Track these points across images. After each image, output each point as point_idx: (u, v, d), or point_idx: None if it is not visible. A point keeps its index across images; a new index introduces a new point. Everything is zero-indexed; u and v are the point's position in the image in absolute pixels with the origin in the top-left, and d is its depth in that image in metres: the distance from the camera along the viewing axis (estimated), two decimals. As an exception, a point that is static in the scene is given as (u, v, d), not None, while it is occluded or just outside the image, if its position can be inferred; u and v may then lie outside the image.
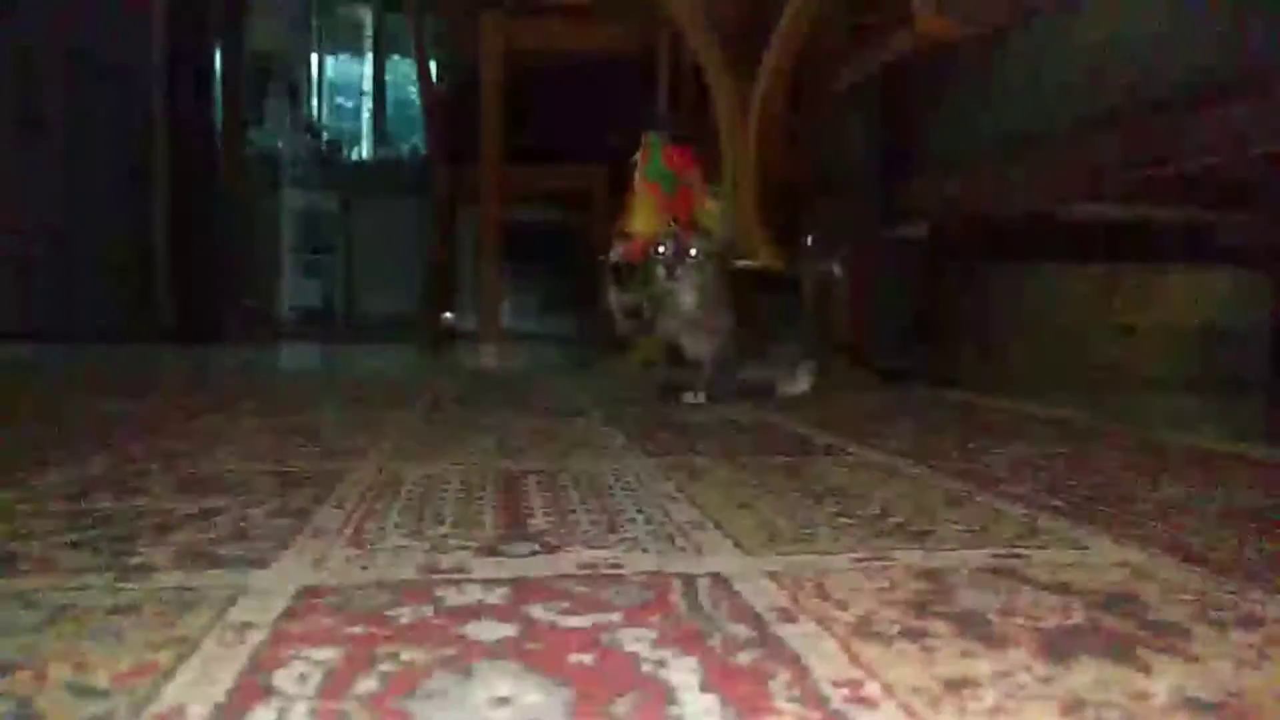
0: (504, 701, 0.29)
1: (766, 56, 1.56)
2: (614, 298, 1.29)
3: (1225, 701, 0.31)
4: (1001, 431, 0.96)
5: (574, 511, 0.56)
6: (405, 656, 0.33)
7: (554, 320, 4.09)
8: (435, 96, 2.60)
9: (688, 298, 1.16)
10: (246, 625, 0.36)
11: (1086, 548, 0.50)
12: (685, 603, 0.39)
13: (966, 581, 0.43)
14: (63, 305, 2.42)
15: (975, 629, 0.37)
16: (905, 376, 1.59)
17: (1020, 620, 0.38)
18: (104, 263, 2.44)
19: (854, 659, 0.33)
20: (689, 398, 1.17)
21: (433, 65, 2.77)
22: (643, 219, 1.21)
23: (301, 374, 1.80)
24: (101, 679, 0.31)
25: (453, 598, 0.39)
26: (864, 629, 0.36)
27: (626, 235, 1.22)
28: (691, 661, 0.33)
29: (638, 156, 1.23)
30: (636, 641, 0.35)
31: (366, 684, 0.30)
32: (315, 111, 5.52)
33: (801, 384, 1.24)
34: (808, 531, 0.52)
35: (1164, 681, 0.32)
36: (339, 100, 5.65)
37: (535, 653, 0.33)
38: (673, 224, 1.19)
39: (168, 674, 0.31)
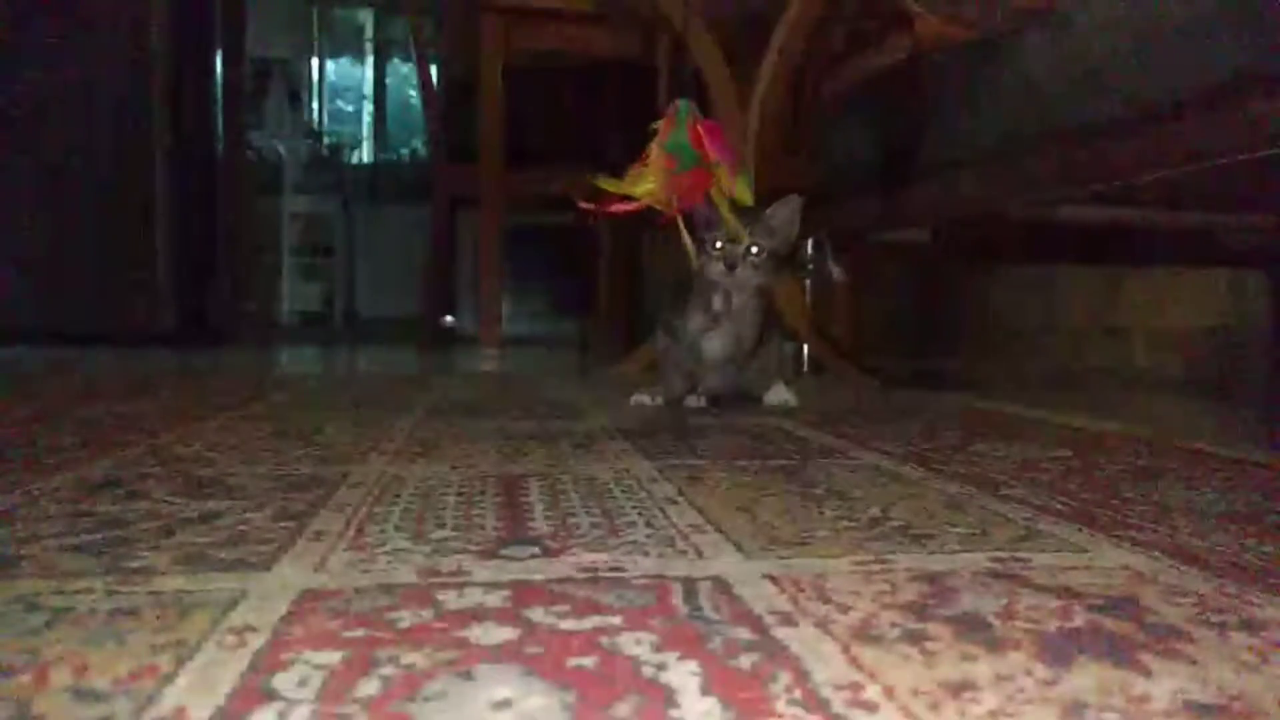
0: (505, 705, 0.29)
1: (766, 60, 1.56)
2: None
3: (1226, 705, 0.31)
4: (1002, 434, 0.96)
5: (574, 514, 0.56)
6: (406, 660, 0.33)
7: (554, 323, 4.10)
8: (436, 100, 2.61)
9: (742, 301, 1.11)
10: (247, 628, 0.36)
11: (1087, 551, 0.50)
12: (686, 606, 0.39)
13: (967, 584, 0.43)
14: (63, 308, 2.42)
15: (975, 632, 0.37)
16: (905, 379, 1.59)
17: (1020, 623, 0.38)
18: (104, 265, 2.44)
19: (854, 662, 0.33)
20: (690, 401, 1.17)
21: (433, 69, 2.78)
22: (645, 184, 1.03)
23: (302, 377, 1.80)
24: (102, 682, 0.31)
25: (453, 601, 0.40)
26: (864, 632, 0.36)
27: (616, 197, 1.05)
28: (692, 664, 0.33)
29: (659, 124, 1.04)
30: (637, 645, 0.35)
31: (367, 687, 0.30)
32: (316, 115, 5.52)
33: (788, 396, 1.19)
34: (808, 534, 0.52)
35: (1164, 685, 0.32)
36: (339, 104, 5.66)
37: (536, 656, 0.33)
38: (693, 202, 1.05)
39: (168, 677, 0.31)
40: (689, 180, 1.03)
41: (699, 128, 1.02)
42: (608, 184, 1.05)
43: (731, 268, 1.07)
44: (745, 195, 1.06)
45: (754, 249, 1.08)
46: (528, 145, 2.35)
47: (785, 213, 1.10)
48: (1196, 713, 0.30)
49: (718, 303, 1.12)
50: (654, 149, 1.02)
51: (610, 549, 0.48)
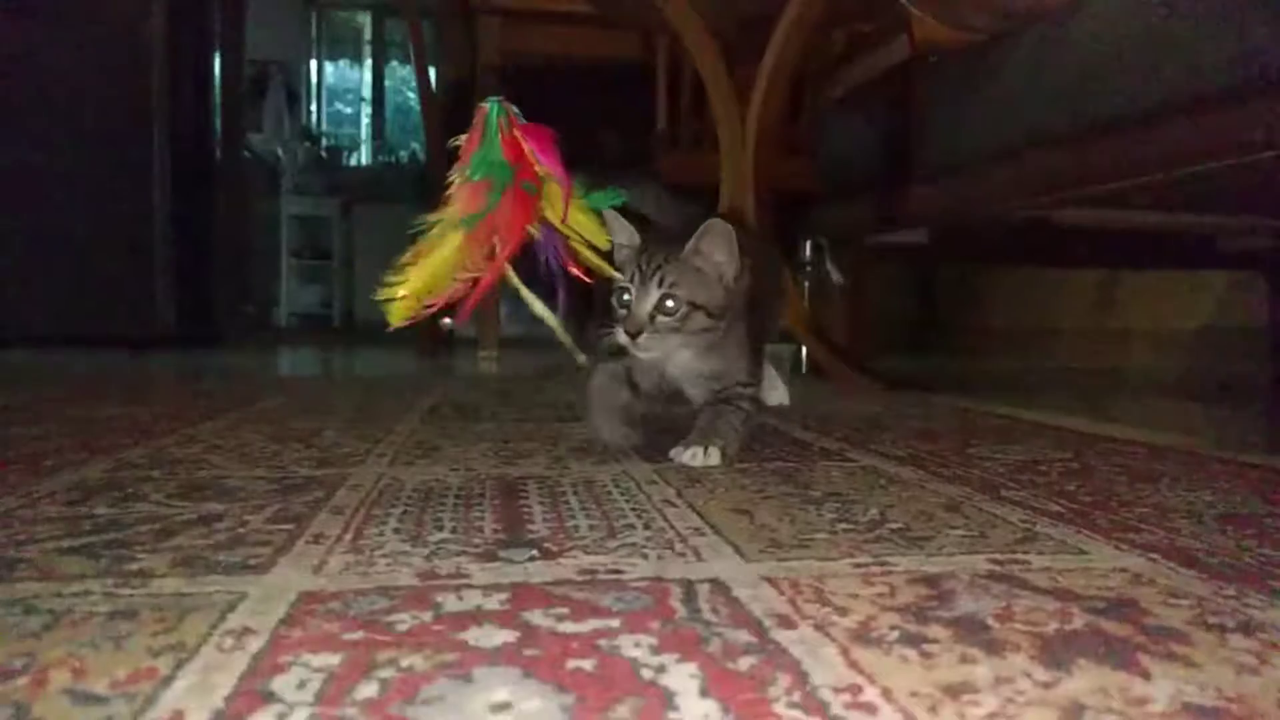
0: (503, 707, 0.29)
1: (765, 62, 1.56)
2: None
3: (1224, 707, 0.31)
4: (1000, 436, 0.96)
5: (573, 517, 0.56)
6: (405, 663, 0.33)
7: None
8: (434, 102, 2.61)
9: (682, 361, 0.82)
10: (246, 631, 0.36)
11: (1086, 553, 0.50)
12: (685, 608, 0.39)
13: (966, 587, 0.43)
14: (62, 310, 2.42)
15: (974, 634, 0.37)
16: (904, 381, 1.59)
17: (1019, 626, 0.38)
18: (104, 268, 2.44)
19: (853, 665, 0.33)
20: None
21: (432, 71, 2.78)
22: (430, 268, 0.71)
23: (301, 379, 1.80)
24: (100, 685, 0.31)
25: (452, 604, 0.39)
26: (863, 635, 0.36)
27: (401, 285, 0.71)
28: (691, 667, 0.33)
29: (461, 139, 0.74)
30: (636, 647, 0.35)
31: (366, 690, 0.30)
32: (314, 118, 5.53)
33: (783, 396, 1.14)
34: (807, 537, 0.52)
35: (1164, 687, 0.32)
36: (338, 106, 5.66)
37: (535, 659, 0.33)
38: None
39: (167, 680, 0.31)
40: (507, 212, 0.72)
41: (517, 133, 0.73)
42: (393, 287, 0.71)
43: (635, 335, 0.76)
44: (588, 222, 0.77)
45: (669, 303, 0.76)
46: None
47: (714, 244, 0.78)
48: (1196, 715, 0.30)
49: (645, 380, 0.84)
50: (457, 179, 0.73)
51: (609, 551, 0.48)
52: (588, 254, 0.76)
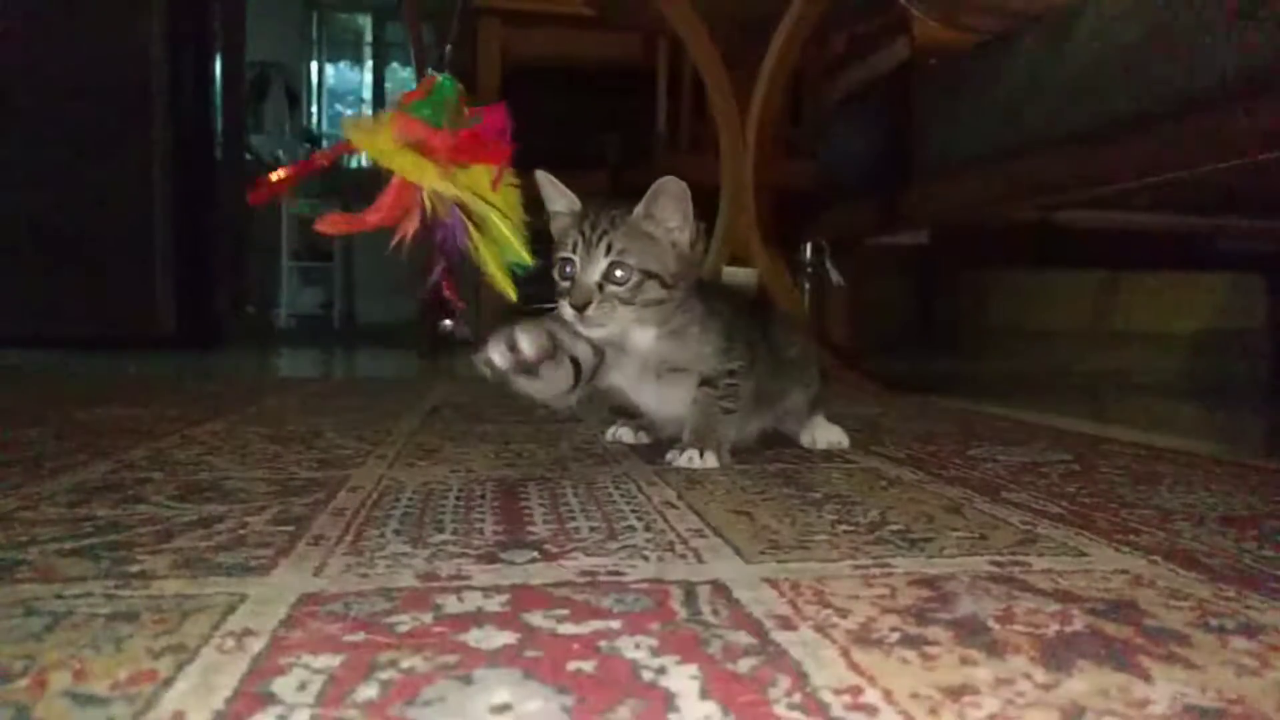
0: (504, 709, 0.29)
1: (765, 64, 1.56)
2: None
3: (1225, 709, 0.31)
4: (1001, 438, 0.96)
5: (574, 519, 0.56)
6: (405, 664, 0.33)
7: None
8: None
9: (642, 346, 0.75)
10: (246, 633, 0.36)
11: (1086, 554, 0.50)
12: (685, 610, 0.39)
13: (966, 589, 0.43)
14: (62, 312, 2.41)
15: (975, 636, 0.37)
16: (904, 382, 1.59)
17: (1020, 627, 0.38)
18: (104, 269, 2.44)
19: (854, 666, 0.33)
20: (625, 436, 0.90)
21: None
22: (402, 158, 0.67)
23: (301, 381, 1.80)
24: (101, 687, 0.31)
25: (452, 605, 0.39)
26: (864, 636, 0.36)
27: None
28: (691, 669, 0.33)
29: (401, 94, 0.71)
30: (636, 649, 0.35)
31: (366, 692, 0.30)
32: (315, 119, 5.53)
33: (840, 438, 0.91)
34: (807, 538, 0.52)
35: (1164, 689, 0.32)
36: (339, 108, 5.66)
37: (535, 660, 0.33)
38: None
39: (167, 682, 0.31)
40: (459, 139, 0.67)
41: (467, 111, 0.70)
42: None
43: (581, 308, 0.70)
44: (508, 205, 0.70)
45: (618, 272, 0.70)
46: (526, 148, 2.35)
47: (666, 206, 0.72)
48: (1196, 717, 0.30)
49: (612, 357, 0.75)
50: (389, 113, 0.69)
51: (609, 553, 0.48)
52: (494, 270, 0.68)
